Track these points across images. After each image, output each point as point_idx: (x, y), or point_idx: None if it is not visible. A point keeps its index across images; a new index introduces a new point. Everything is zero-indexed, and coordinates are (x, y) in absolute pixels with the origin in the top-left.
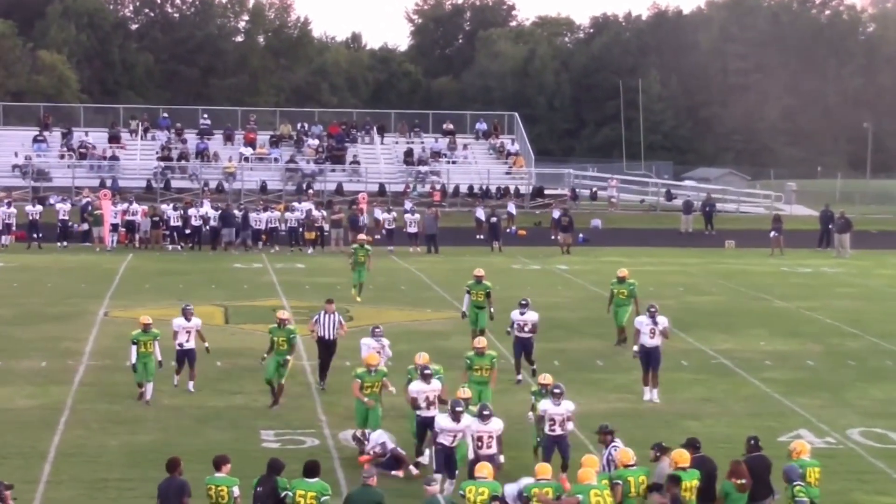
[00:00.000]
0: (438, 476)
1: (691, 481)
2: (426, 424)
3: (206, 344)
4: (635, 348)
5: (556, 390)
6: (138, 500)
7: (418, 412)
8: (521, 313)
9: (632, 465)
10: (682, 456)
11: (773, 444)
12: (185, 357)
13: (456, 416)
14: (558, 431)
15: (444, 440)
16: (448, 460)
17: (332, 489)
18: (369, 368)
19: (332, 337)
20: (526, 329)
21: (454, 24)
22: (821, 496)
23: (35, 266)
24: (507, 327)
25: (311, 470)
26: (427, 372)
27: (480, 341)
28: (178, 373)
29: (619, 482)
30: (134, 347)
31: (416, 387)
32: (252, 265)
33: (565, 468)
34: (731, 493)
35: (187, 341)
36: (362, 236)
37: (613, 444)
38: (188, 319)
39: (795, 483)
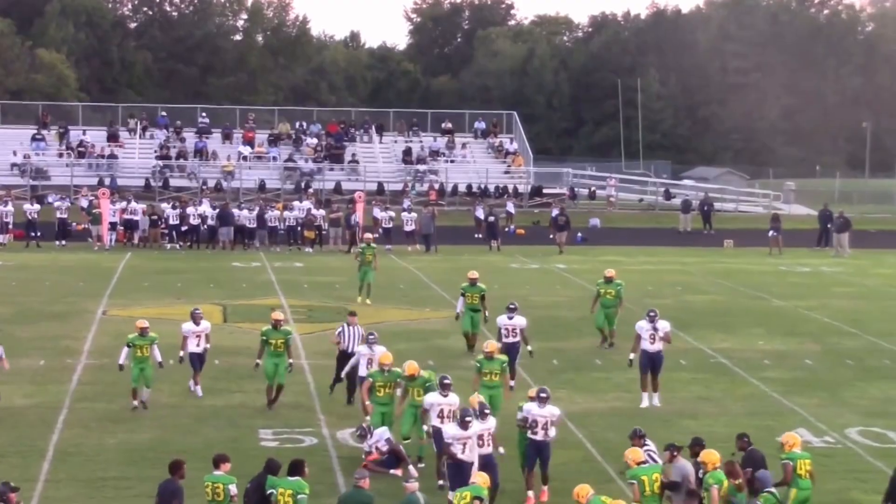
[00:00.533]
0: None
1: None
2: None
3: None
4: (632, 356)
5: (543, 394)
6: (136, 499)
7: (424, 425)
8: (510, 318)
9: (644, 463)
10: (714, 456)
11: (771, 444)
12: (198, 360)
13: (465, 425)
14: (540, 436)
15: (455, 451)
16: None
17: (330, 489)
18: (382, 368)
19: (355, 350)
20: (513, 334)
21: (453, 22)
22: (815, 491)
23: (33, 265)
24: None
25: (292, 468)
26: (447, 382)
27: (490, 345)
28: (195, 379)
29: (634, 482)
30: (127, 350)
31: (433, 398)
32: (251, 264)
33: (545, 480)
34: (733, 494)
35: (198, 345)
36: (368, 235)
37: (646, 446)
38: (197, 323)
39: (766, 490)
